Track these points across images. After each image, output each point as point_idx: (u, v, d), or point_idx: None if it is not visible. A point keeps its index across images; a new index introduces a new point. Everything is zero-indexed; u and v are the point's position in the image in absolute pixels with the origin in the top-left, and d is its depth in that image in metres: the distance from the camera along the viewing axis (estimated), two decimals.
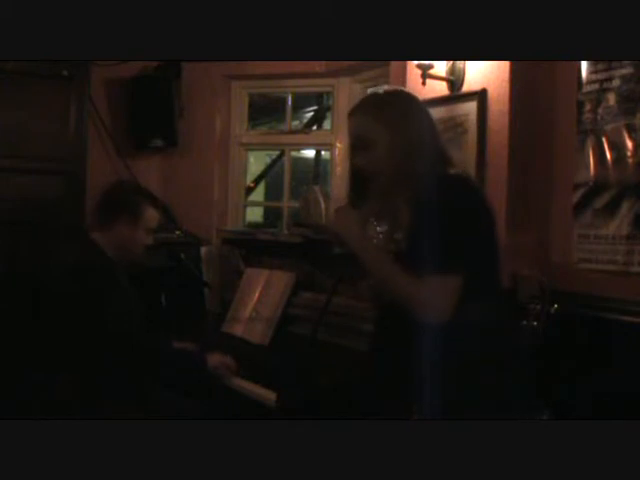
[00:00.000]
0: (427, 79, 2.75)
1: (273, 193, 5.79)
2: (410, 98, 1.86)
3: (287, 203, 4.12)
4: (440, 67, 2.81)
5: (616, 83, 2.41)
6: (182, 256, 3.46)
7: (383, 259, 1.74)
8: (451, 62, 2.80)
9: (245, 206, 4.31)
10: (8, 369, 2.77)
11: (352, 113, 1.85)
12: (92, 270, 2.51)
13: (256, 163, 5.65)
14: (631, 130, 2.35)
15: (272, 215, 5.62)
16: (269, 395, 2.36)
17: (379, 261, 1.73)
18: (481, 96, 2.67)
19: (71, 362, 2.45)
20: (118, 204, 2.62)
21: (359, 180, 1.81)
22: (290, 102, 4.11)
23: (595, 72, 2.48)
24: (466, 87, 2.76)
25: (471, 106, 2.71)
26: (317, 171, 5.20)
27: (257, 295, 3.11)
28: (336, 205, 3.45)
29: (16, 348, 2.78)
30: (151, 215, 2.66)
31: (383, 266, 1.72)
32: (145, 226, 2.64)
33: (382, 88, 1.96)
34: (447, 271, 1.62)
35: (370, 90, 3.75)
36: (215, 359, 2.61)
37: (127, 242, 2.61)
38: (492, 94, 2.65)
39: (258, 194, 5.91)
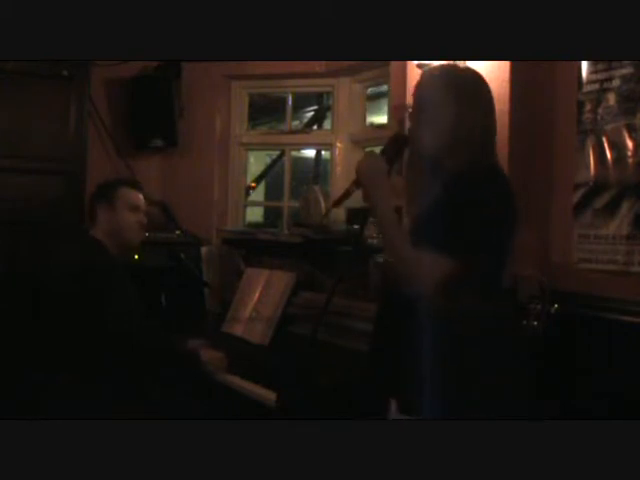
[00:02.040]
0: None
1: (273, 193, 5.79)
2: (485, 83, 1.85)
3: (287, 203, 4.11)
4: None
5: (616, 83, 2.41)
6: (182, 256, 3.46)
7: (395, 217, 1.74)
8: (451, 62, 2.79)
9: (245, 206, 4.31)
10: (8, 369, 2.78)
11: (429, 73, 1.87)
12: (92, 270, 2.51)
13: (256, 163, 5.65)
14: (631, 130, 2.35)
15: (272, 215, 5.62)
16: (269, 395, 2.36)
17: (391, 216, 1.72)
18: None
19: (71, 362, 2.45)
20: (94, 196, 2.70)
21: (402, 139, 1.82)
22: (290, 102, 4.11)
23: (595, 72, 2.48)
24: None
25: None
26: (317, 171, 5.19)
27: (257, 295, 3.11)
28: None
29: (16, 348, 2.79)
30: (127, 193, 2.70)
31: (393, 222, 1.72)
32: (126, 206, 2.67)
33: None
34: (443, 252, 1.62)
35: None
36: (207, 354, 2.66)
37: (114, 226, 2.65)
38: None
39: (258, 194, 5.91)
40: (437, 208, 1.70)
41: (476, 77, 1.84)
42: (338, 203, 1.83)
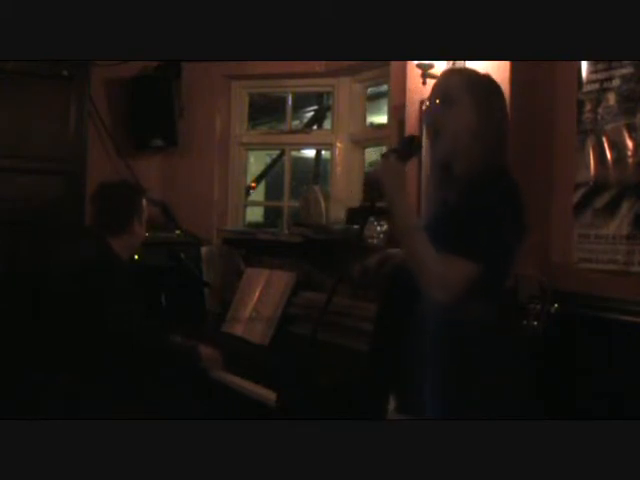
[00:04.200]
0: (427, 79, 2.75)
1: (273, 193, 5.79)
2: (502, 90, 1.86)
3: (287, 203, 4.11)
4: (440, 67, 2.81)
5: (616, 83, 2.41)
6: (182, 256, 3.46)
7: (414, 218, 1.71)
8: (451, 62, 2.79)
9: (245, 206, 4.31)
10: (10, 369, 2.78)
11: (449, 72, 1.88)
12: (96, 269, 2.52)
13: (256, 163, 5.64)
14: (631, 130, 2.35)
15: (272, 215, 5.62)
16: (269, 395, 2.36)
17: (409, 219, 1.69)
18: None
19: (72, 362, 2.45)
20: (132, 208, 2.71)
21: (416, 142, 1.81)
22: (290, 102, 4.11)
23: (595, 72, 2.48)
24: None
25: None
26: (317, 171, 5.19)
27: (257, 295, 3.11)
28: (336, 205, 3.47)
29: (17, 348, 2.79)
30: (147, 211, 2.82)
31: (411, 226, 1.68)
32: (146, 225, 2.77)
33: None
34: (468, 256, 1.61)
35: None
36: (205, 352, 2.68)
37: (139, 241, 2.74)
38: None
39: (258, 194, 5.91)
40: (453, 211, 1.69)
41: (494, 82, 1.85)
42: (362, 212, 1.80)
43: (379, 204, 1.73)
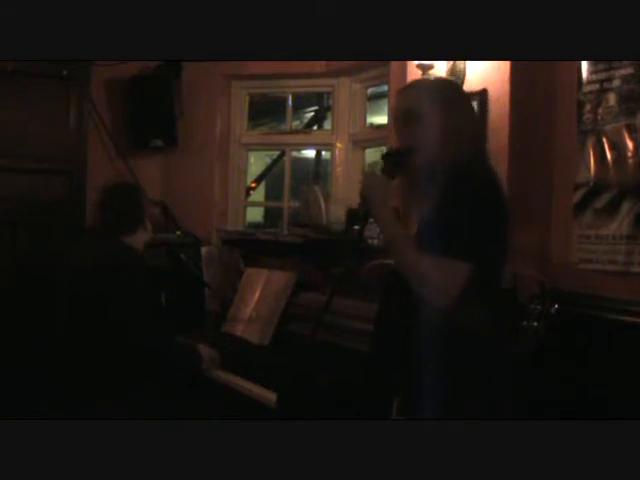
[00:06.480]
0: None
1: (273, 193, 5.79)
2: (460, 87, 1.86)
3: (287, 203, 4.12)
4: (440, 67, 2.81)
5: (616, 83, 2.41)
6: (182, 256, 3.46)
7: (401, 231, 1.73)
8: (451, 62, 2.79)
9: (245, 206, 4.31)
10: (12, 369, 2.78)
11: (405, 88, 1.88)
12: (118, 270, 2.52)
13: (256, 163, 5.65)
14: (631, 130, 2.35)
15: (272, 215, 5.62)
16: (269, 395, 2.36)
17: (397, 232, 1.71)
18: (481, 96, 2.67)
19: (75, 362, 2.45)
20: (140, 214, 2.69)
21: (396, 154, 1.82)
22: (290, 102, 4.11)
23: (595, 72, 2.48)
24: (466, 87, 2.75)
25: None
26: (317, 171, 5.20)
27: (257, 295, 3.11)
28: (336, 205, 3.46)
29: (31, 348, 2.80)
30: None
31: (400, 237, 1.71)
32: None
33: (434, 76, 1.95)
34: (461, 257, 1.62)
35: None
36: (205, 352, 2.68)
37: (150, 236, 2.73)
38: (492, 94, 2.65)
39: (258, 194, 5.91)
40: (439, 216, 1.69)
41: (448, 82, 1.86)
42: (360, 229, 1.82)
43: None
